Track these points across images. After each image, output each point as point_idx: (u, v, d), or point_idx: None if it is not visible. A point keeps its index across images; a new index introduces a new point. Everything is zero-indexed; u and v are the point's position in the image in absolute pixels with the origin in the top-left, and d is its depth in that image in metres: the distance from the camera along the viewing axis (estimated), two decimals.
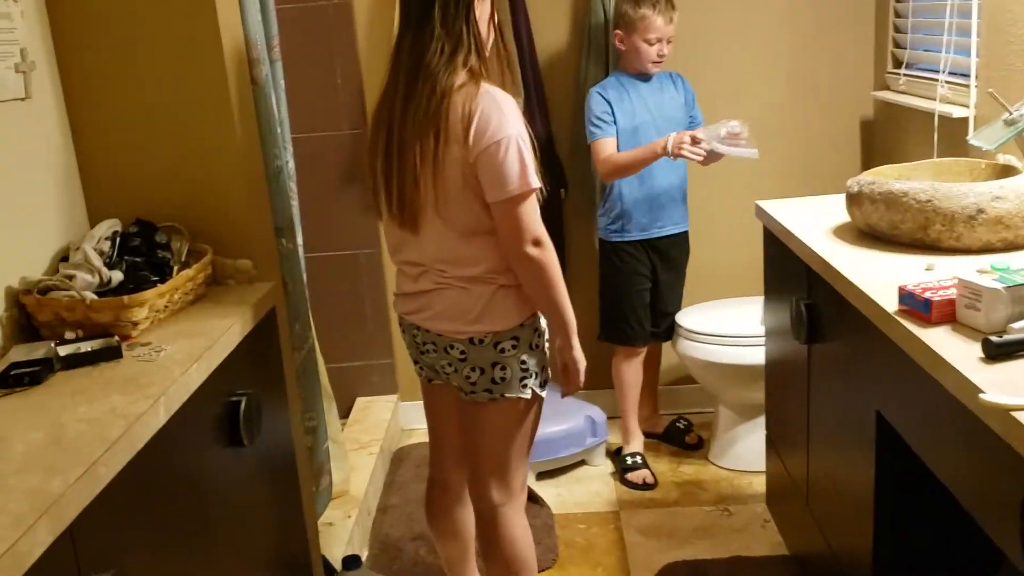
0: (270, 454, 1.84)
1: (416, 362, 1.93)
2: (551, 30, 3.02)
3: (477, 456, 1.89)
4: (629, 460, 2.89)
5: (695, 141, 2.59)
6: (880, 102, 2.96)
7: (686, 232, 2.92)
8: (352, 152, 3.05)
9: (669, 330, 2.97)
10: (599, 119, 2.74)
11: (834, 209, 2.08)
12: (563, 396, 1.91)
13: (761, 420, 2.77)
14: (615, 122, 2.74)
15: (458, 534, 2.09)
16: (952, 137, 2.40)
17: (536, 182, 1.66)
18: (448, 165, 1.65)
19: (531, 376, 1.80)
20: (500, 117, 1.63)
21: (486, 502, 1.89)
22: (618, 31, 2.75)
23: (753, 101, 3.03)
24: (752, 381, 2.72)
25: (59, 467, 1.12)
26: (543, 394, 1.85)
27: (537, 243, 1.68)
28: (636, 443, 2.94)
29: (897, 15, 2.86)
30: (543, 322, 1.84)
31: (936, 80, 2.46)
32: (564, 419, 2.91)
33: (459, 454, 1.97)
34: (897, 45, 2.88)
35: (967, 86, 2.32)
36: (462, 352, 1.78)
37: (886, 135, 2.97)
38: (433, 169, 1.66)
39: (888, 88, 2.91)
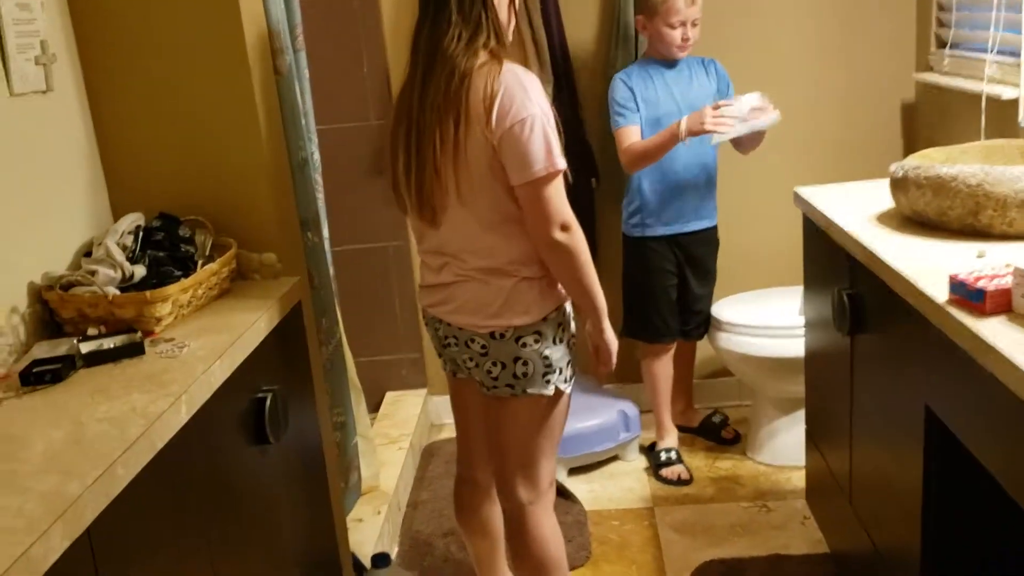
0: (297, 451, 1.80)
1: (440, 355, 1.90)
2: (581, 18, 2.96)
3: (502, 453, 1.84)
4: (663, 456, 2.83)
5: (718, 107, 2.48)
6: (922, 84, 2.87)
7: (714, 227, 2.80)
8: (379, 142, 3.01)
9: (701, 328, 2.86)
10: (621, 107, 2.65)
11: (877, 195, 2.00)
12: (600, 382, 1.88)
13: (800, 414, 2.70)
14: (639, 110, 2.65)
15: (487, 531, 2.05)
16: (1001, 120, 2.30)
17: (562, 163, 1.61)
18: (470, 148, 1.61)
19: (555, 372, 1.75)
20: (524, 95, 1.59)
21: (513, 501, 1.85)
22: (639, 16, 2.65)
23: (788, 86, 2.93)
24: (791, 374, 2.64)
25: (77, 468, 1.09)
26: (568, 390, 1.80)
27: (565, 228, 1.63)
28: (670, 438, 2.87)
29: None
30: (570, 315, 1.79)
31: (984, 60, 2.36)
32: (596, 414, 2.86)
33: (486, 450, 1.93)
34: (940, 24, 2.78)
35: (1017, 66, 2.22)
36: (483, 346, 1.74)
37: (929, 118, 2.87)
38: (454, 154, 1.61)
39: (931, 69, 2.81)
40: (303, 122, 2.01)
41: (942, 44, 2.77)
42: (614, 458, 2.92)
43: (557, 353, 1.74)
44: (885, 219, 1.83)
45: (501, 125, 1.58)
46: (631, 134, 2.64)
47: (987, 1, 2.42)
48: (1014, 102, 2.23)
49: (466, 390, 1.90)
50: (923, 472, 1.51)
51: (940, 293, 1.38)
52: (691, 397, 3.07)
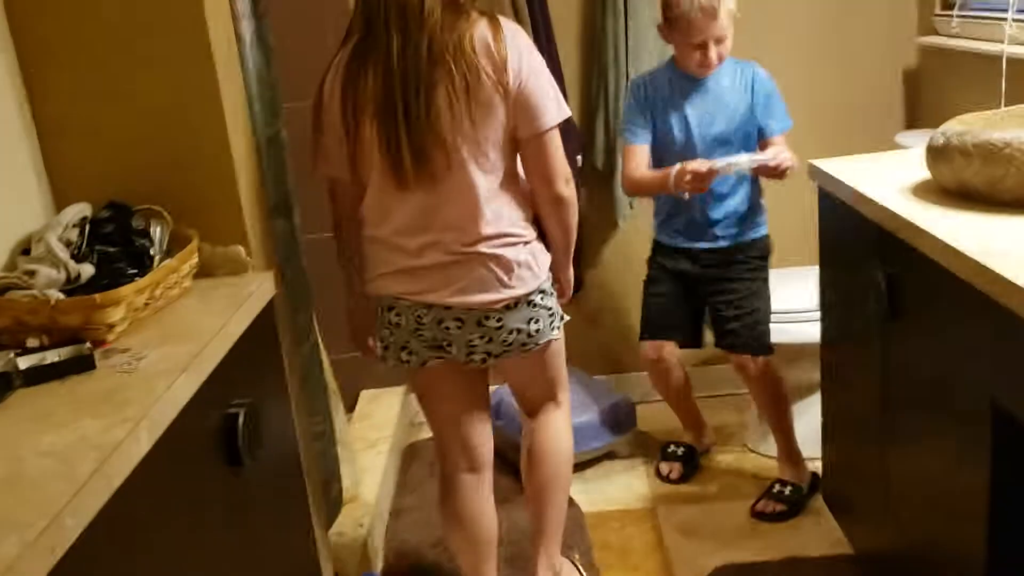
0: (274, 468, 1.59)
1: (404, 348, 1.78)
2: None
3: (524, 396, 1.95)
4: (669, 448, 2.66)
5: (701, 176, 2.17)
6: (926, 48, 2.71)
7: (733, 247, 2.40)
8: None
9: (739, 347, 2.39)
10: (628, 121, 2.39)
11: (902, 166, 1.84)
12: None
13: (806, 402, 2.55)
14: (648, 125, 2.36)
15: (477, 534, 1.91)
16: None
17: (568, 110, 1.68)
18: (483, 106, 1.59)
19: (556, 316, 1.81)
20: (528, 47, 1.62)
21: (542, 408, 1.94)
22: (662, 23, 2.30)
23: (781, 54, 2.74)
24: (800, 360, 2.49)
25: (14, 519, 0.87)
26: (568, 318, 1.87)
27: (568, 181, 1.69)
28: (687, 435, 2.70)
29: None
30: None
31: (1003, 20, 2.20)
32: (589, 408, 2.68)
33: (468, 437, 1.87)
34: None
35: None
36: (499, 319, 1.72)
37: (935, 85, 2.72)
38: (467, 112, 1.58)
39: (936, 32, 2.66)
40: (270, 95, 1.78)
41: (948, 6, 2.61)
42: (608, 454, 2.75)
43: (553, 297, 1.81)
44: (921, 192, 1.66)
45: (518, 76, 1.58)
46: (634, 155, 2.36)
47: None
48: None
49: (446, 377, 1.82)
50: (990, 473, 1.34)
51: (1012, 273, 1.21)
52: (699, 419, 2.72)
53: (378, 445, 2.70)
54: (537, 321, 1.76)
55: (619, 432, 2.71)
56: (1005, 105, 2.21)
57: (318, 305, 2.93)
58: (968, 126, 1.61)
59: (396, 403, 2.97)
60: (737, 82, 2.33)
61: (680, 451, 2.65)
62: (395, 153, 1.60)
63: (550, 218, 1.73)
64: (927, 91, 2.76)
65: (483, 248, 1.66)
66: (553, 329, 1.80)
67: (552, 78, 1.65)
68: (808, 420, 2.44)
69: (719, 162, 2.21)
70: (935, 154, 1.60)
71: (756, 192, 2.41)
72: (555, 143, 1.66)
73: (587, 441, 2.65)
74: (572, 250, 1.84)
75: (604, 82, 2.74)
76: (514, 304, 1.71)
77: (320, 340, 2.10)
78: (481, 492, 1.91)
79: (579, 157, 2.82)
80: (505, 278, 1.68)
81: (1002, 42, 2.23)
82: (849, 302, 1.91)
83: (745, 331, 2.37)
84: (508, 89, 1.58)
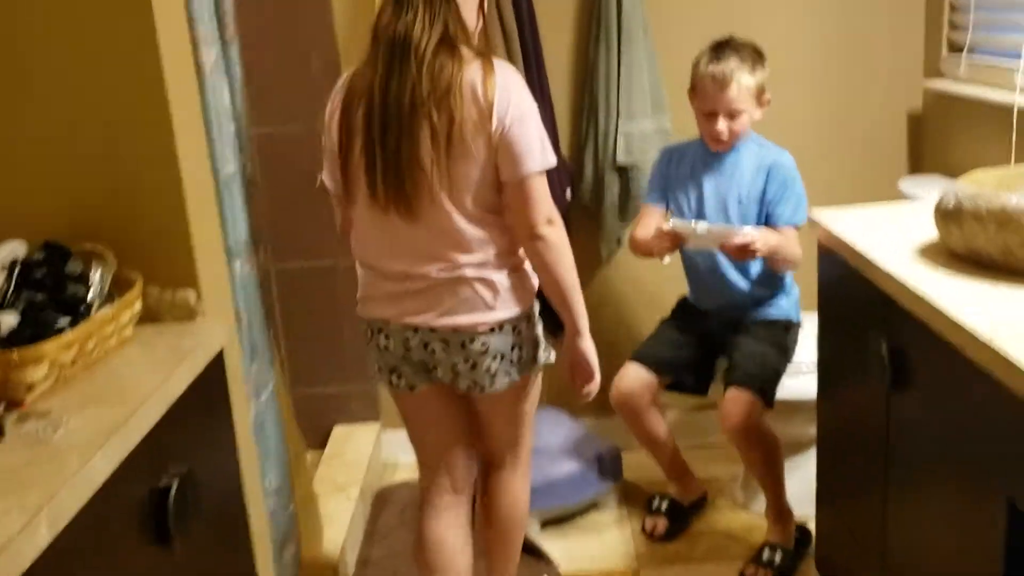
0: (215, 538, 1.45)
1: (393, 371, 1.77)
2: (558, 18, 2.63)
3: (493, 437, 1.89)
4: (654, 502, 2.51)
5: (661, 235, 2.16)
6: (933, 93, 2.60)
7: (771, 321, 2.29)
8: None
9: (742, 376, 2.20)
10: (649, 183, 2.40)
11: (906, 221, 1.73)
12: (582, 398, 1.81)
13: (802, 458, 2.42)
14: (662, 188, 2.35)
15: (449, 559, 1.89)
16: None
17: (554, 158, 1.64)
18: (465, 145, 1.58)
19: (541, 346, 1.77)
20: (518, 90, 1.60)
21: (495, 465, 1.91)
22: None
23: (777, 91, 2.60)
24: (794, 415, 2.36)
25: None
26: (553, 361, 1.81)
27: (551, 222, 1.64)
28: (673, 487, 2.54)
29: None
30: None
31: (1015, 66, 2.09)
32: (571, 458, 2.54)
33: (452, 463, 1.88)
34: (953, 27, 2.51)
35: None
36: (483, 343, 1.69)
37: (941, 130, 2.60)
38: (447, 149, 1.58)
39: (943, 75, 2.55)
40: (233, 127, 1.65)
41: (956, 48, 2.50)
42: (593, 506, 2.61)
43: (539, 326, 1.78)
44: (930, 255, 1.54)
45: (502, 122, 1.57)
46: (645, 215, 2.37)
47: (1018, 2, 2.15)
48: None
49: (432, 402, 1.82)
50: (1004, 567, 1.22)
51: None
52: (683, 467, 2.53)
53: (348, 489, 2.56)
54: (522, 349, 1.73)
55: (604, 483, 2.57)
56: (1016, 159, 2.10)
57: (293, 335, 2.83)
58: (980, 187, 1.49)
59: (370, 441, 2.83)
60: (756, 164, 2.24)
61: (665, 505, 2.51)
62: (375, 185, 1.63)
63: (533, 259, 1.69)
64: (933, 136, 2.65)
65: (468, 272, 1.66)
66: (536, 361, 1.76)
67: (540, 124, 1.62)
68: (801, 476, 2.31)
69: (678, 223, 2.16)
70: (945, 216, 1.48)
71: (771, 274, 2.30)
72: (537, 187, 1.63)
73: (569, 494, 2.51)
74: (575, 313, 1.72)
75: (595, 117, 2.63)
76: (499, 328, 1.69)
77: (284, 386, 1.96)
78: (459, 516, 1.91)
79: (568, 191, 2.71)
80: (491, 300, 1.68)
81: (1012, 90, 2.12)
82: (849, 365, 1.79)
83: (751, 367, 2.22)
84: (491, 135, 1.58)
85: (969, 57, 2.40)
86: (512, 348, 1.71)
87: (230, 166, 1.63)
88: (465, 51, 1.59)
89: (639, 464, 2.66)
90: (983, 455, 1.26)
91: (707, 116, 2.19)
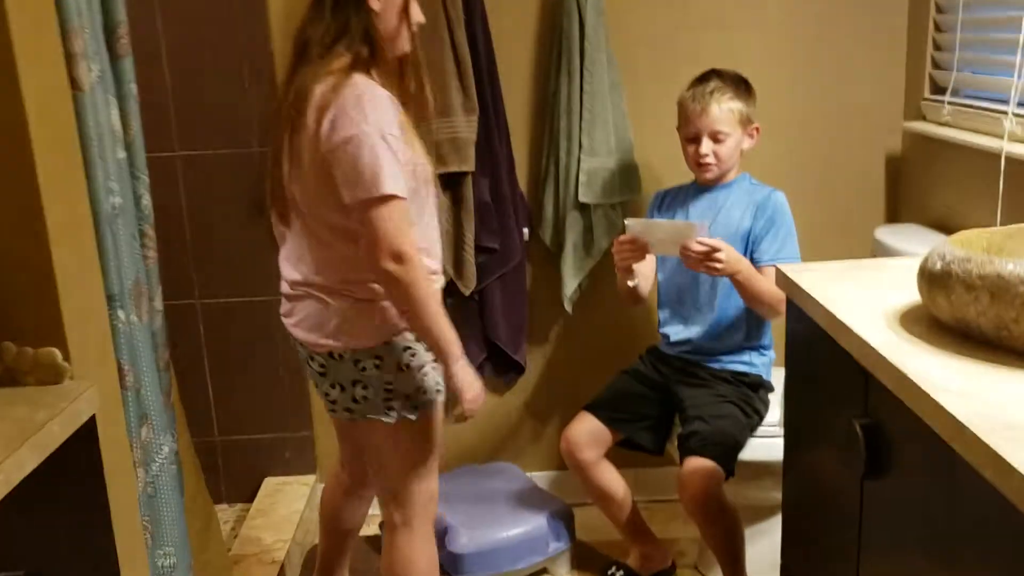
0: None
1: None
2: (514, 33, 2.45)
3: (372, 471, 1.86)
4: (609, 572, 2.31)
5: (618, 242, 2.04)
6: (913, 135, 2.43)
7: (736, 373, 2.14)
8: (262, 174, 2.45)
9: (700, 444, 2.02)
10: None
11: (884, 279, 1.55)
12: (454, 422, 1.76)
13: (767, 524, 2.23)
14: None
15: (338, 527, 2.06)
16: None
17: (391, 188, 1.51)
18: (306, 158, 1.55)
19: (397, 399, 1.67)
20: (359, 112, 1.51)
21: (386, 518, 1.82)
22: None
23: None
24: (757, 479, 2.17)
25: None
26: (413, 418, 1.70)
27: (398, 258, 1.54)
28: (633, 554, 2.33)
29: (938, 29, 2.33)
30: (415, 340, 1.69)
31: (1003, 112, 1.93)
32: (522, 520, 2.34)
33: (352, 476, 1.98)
34: (936, 66, 2.35)
35: None
36: (321, 365, 1.69)
37: (921, 176, 2.44)
38: (290, 161, 1.58)
39: (924, 118, 2.39)
40: (122, 155, 1.45)
41: (939, 90, 2.34)
42: (542, 572, 2.39)
43: (402, 380, 1.67)
44: (910, 322, 1.36)
45: (330, 140, 1.51)
46: None
47: (1006, 42, 2.00)
48: None
49: None
50: None
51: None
52: (647, 534, 2.33)
53: (274, 550, 2.34)
54: (366, 388, 1.66)
55: (555, 546, 2.36)
56: (1003, 210, 1.93)
57: (220, 377, 2.61)
58: (969, 250, 1.31)
59: (303, 496, 2.61)
60: (747, 201, 2.12)
61: (620, 573, 2.31)
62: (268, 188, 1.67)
63: (386, 293, 1.63)
64: (912, 182, 2.48)
65: (313, 291, 1.65)
66: (389, 412, 1.68)
67: (381, 151, 1.50)
68: (768, 544, 2.12)
69: (632, 222, 2.02)
70: (932, 281, 1.29)
71: (751, 319, 2.13)
72: (377, 216, 1.52)
73: (516, 559, 2.31)
74: (443, 350, 1.63)
75: (555, 151, 2.44)
76: (338, 356, 1.65)
77: (189, 444, 1.74)
78: (352, 492, 2.01)
79: (526, 230, 2.53)
80: (329, 325, 1.64)
81: (1000, 136, 1.96)
82: (820, 434, 1.60)
83: (712, 433, 2.02)
84: (321, 152, 1.53)
85: (953, 99, 2.24)
86: (354, 384, 1.66)
87: (115, 198, 1.42)
88: (339, 62, 1.54)
89: (594, 522, 2.45)
90: (976, 564, 1.07)
91: (691, 141, 2.10)
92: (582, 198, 2.42)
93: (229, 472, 2.72)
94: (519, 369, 2.61)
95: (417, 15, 1.65)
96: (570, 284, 2.51)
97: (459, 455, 2.69)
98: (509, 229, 2.46)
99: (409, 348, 1.68)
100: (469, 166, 2.36)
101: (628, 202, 2.50)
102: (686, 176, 2.29)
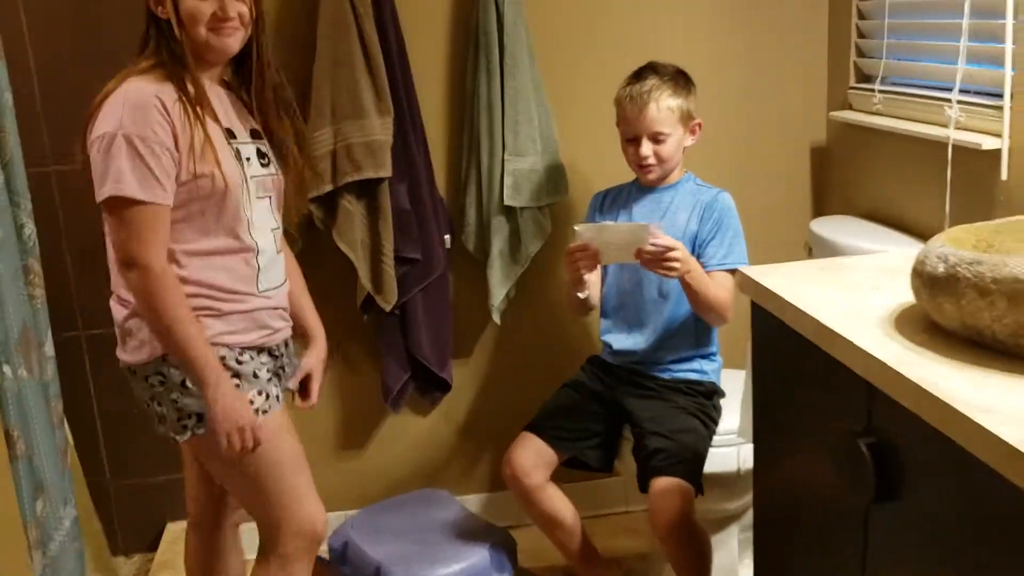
0: None
1: None
2: (429, 41, 2.28)
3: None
4: None
5: (568, 250, 1.90)
6: (839, 125, 2.39)
7: (686, 381, 2.04)
8: None
9: (667, 463, 1.89)
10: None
11: (856, 281, 1.46)
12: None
13: (727, 534, 2.14)
14: None
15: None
16: (966, 174, 1.83)
17: (129, 192, 1.43)
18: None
19: (191, 418, 1.55)
20: (114, 112, 1.45)
21: (259, 550, 1.69)
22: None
23: None
24: (709, 490, 2.06)
25: None
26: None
27: (129, 266, 1.46)
28: None
29: (861, 16, 2.29)
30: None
31: (945, 100, 1.89)
32: (461, 553, 2.17)
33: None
34: (860, 54, 2.31)
35: (995, 108, 1.76)
36: (130, 378, 1.61)
37: (849, 166, 2.39)
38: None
39: (851, 107, 2.34)
40: None
41: (865, 78, 2.31)
42: None
43: (190, 398, 1.54)
44: (909, 330, 1.26)
45: (88, 139, 1.49)
46: None
47: (941, 28, 1.96)
48: (991, 153, 1.77)
49: None
50: None
51: None
52: (591, 552, 2.16)
53: None
54: (161, 406, 1.56)
55: None
56: (951, 200, 1.89)
57: (112, 418, 2.33)
58: (963, 247, 1.22)
59: None
60: (692, 202, 2.02)
61: None
62: None
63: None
64: (840, 173, 2.44)
65: (111, 301, 1.60)
66: (184, 430, 1.56)
67: (124, 154, 1.43)
68: (719, 557, 2.04)
69: (581, 228, 1.87)
70: (934, 285, 1.20)
71: (699, 325, 2.03)
72: (112, 219, 1.48)
73: None
74: (194, 370, 1.51)
75: (476, 153, 2.28)
76: (131, 371, 1.58)
77: (90, 511, 1.50)
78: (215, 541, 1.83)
79: (448, 237, 2.35)
80: (121, 336, 1.59)
81: (942, 125, 1.92)
82: (804, 456, 1.49)
83: (676, 448, 1.90)
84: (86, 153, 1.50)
85: (884, 87, 2.19)
86: (152, 400, 1.57)
87: None
88: (136, 67, 1.52)
89: (537, 545, 2.30)
90: None
91: (630, 142, 1.99)
92: (508, 201, 2.27)
93: (126, 519, 2.45)
94: (445, 387, 2.44)
95: (199, 10, 1.51)
96: (497, 293, 2.35)
97: (384, 484, 2.50)
98: (431, 237, 2.28)
99: None
100: (386, 171, 2.17)
101: (556, 204, 2.36)
102: (613, 175, 2.18)
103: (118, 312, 1.58)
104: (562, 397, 2.13)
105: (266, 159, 1.66)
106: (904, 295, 1.33)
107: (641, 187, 2.08)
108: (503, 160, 2.24)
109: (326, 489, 2.51)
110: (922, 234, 2.01)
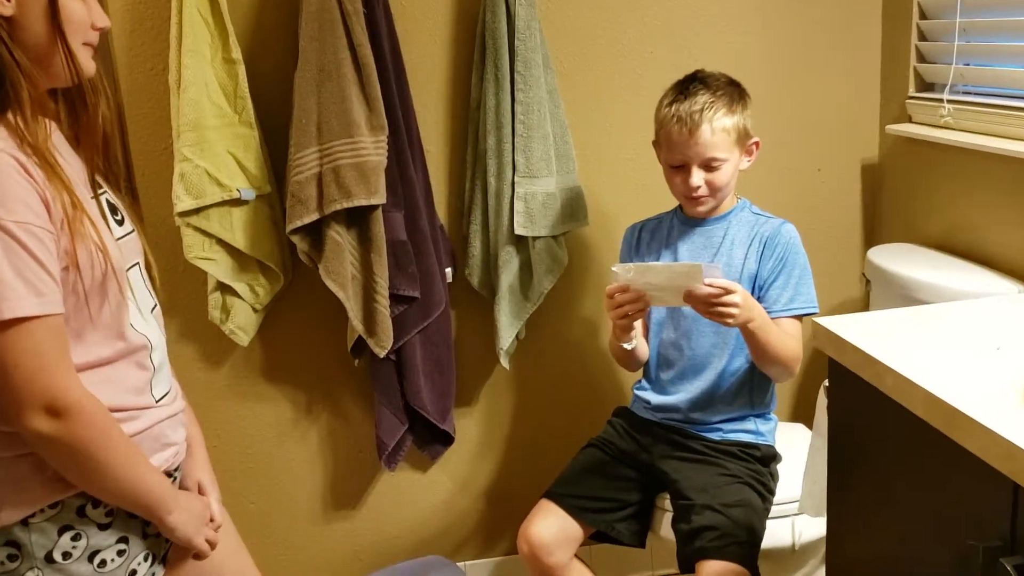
0: None
1: None
2: (428, 47, 1.99)
3: None
4: None
5: (609, 294, 1.60)
6: (896, 140, 2.10)
7: (736, 443, 1.74)
8: None
9: (716, 545, 1.59)
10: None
11: (968, 334, 1.17)
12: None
13: None
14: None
15: None
16: None
17: (21, 307, 1.03)
18: None
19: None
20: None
21: None
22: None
23: None
24: (765, 562, 1.76)
25: None
26: None
27: (52, 411, 1.06)
28: None
29: (923, 15, 2.00)
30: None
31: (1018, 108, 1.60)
32: None
33: None
34: (921, 59, 2.03)
35: None
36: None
37: (908, 187, 2.10)
38: None
39: (911, 120, 2.05)
40: None
41: (926, 87, 2.02)
42: None
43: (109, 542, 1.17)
44: None
45: None
46: None
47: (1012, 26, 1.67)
48: None
49: None
50: None
51: None
52: None
53: None
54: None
55: None
56: None
57: None
58: None
59: None
60: (749, 236, 1.71)
61: None
62: None
63: (49, 461, 1.13)
64: (898, 194, 2.14)
65: None
66: None
67: (5, 251, 1.03)
68: None
69: (620, 269, 1.58)
70: None
71: (757, 379, 1.73)
72: (9, 350, 1.05)
73: None
74: (139, 505, 1.19)
75: (483, 175, 1.99)
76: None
77: None
78: None
79: (449, 271, 2.06)
80: None
81: (1012, 138, 1.64)
82: (910, 567, 1.19)
83: (729, 528, 1.59)
84: None
85: (952, 97, 1.90)
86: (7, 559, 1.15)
87: None
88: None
89: None
90: None
91: (677, 170, 1.68)
92: (519, 230, 1.98)
93: None
94: (447, 440, 2.14)
95: (81, 14, 1.12)
96: (506, 335, 2.06)
97: (379, 551, 2.21)
98: (431, 272, 1.99)
99: (71, 528, 1.17)
100: (380, 198, 1.87)
101: (572, 233, 2.08)
102: (641, 201, 1.89)
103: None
104: (587, 458, 1.82)
105: (118, 213, 1.25)
106: None
107: (685, 218, 1.78)
108: (513, 183, 1.95)
109: (314, 555, 2.25)
110: (1010, 269, 1.73)
